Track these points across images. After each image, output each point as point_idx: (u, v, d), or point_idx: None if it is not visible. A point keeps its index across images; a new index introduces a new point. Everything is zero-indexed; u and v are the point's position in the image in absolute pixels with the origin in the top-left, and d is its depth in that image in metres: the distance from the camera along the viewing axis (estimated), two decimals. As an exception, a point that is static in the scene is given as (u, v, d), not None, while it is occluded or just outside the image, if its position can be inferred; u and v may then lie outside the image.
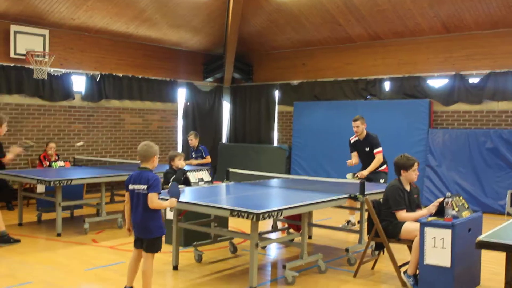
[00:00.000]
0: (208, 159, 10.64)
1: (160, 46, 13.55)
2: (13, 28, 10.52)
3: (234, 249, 7.19)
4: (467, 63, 11.27)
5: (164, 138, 13.74)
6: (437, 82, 11.77)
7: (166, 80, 13.64)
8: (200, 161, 10.60)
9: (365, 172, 8.37)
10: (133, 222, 5.13)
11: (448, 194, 5.42)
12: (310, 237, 8.04)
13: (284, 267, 5.91)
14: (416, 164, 6.03)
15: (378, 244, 6.24)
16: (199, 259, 6.70)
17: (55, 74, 11.40)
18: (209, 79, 14.78)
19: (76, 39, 11.82)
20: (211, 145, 14.94)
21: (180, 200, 5.33)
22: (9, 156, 8.19)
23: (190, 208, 5.92)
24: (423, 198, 9.50)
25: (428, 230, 5.35)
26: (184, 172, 7.78)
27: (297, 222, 7.29)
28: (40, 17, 10.84)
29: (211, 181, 8.01)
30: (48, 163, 10.21)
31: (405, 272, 5.77)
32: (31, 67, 10.61)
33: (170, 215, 6.65)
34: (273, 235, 7.87)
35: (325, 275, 6.24)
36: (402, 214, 5.90)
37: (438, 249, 5.29)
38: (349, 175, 8.47)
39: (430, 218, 5.51)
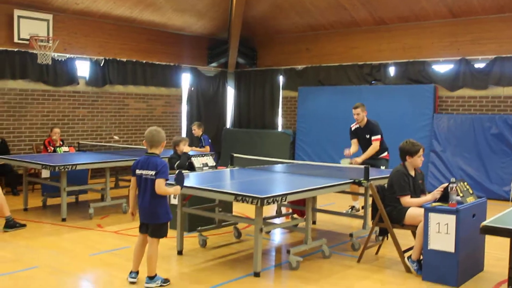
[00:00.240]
0: (206, 149, 10.63)
1: (164, 31, 13.50)
2: (17, 12, 10.48)
3: (238, 234, 7.21)
4: (473, 47, 11.18)
5: (168, 123, 13.74)
6: (442, 67, 11.70)
7: (170, 65, 13.60)
8: (198, 149, 10.62)
9: (359, 159, 8.35)
10: (140, 207, 5.15)
11: (453, 179, 5.41)
12: (314, 223, 8.05)
13: (288, 252, 5.92)
14: (421, 150, 6.02)
15: (382, 230, 6.25)
16: (203, 244, 6.73)
17: (59, 59, 11.38)
18: (213, 64, 14.73)
19: (80, 24, 11.78)
20: (215, 130, 14.96)
21: (184, 185, 5.35)
22: None
23: (194, 193, 5.93)
24: (427, 183, 9.48)
25: (432, 216, 5.35)
26: (188, 157, 7.79)
27: (301, 207, 7.30)
28: (44, 1, 10.80)
29: (216, 166, 8.02)
30: (52, 148, 10.23)
31: (409, 257, 5.78)
32: (35, 52, 10.58)
33: (174, 200, 6.67)
34: (277, 221, 7.89)
35: (329, 260, 6.26)
36: (406, 200, 5.89)
37: (442, 235, 5.29)
38: (344, 161, 8.44)
39: (434, 204, 5.51)
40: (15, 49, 10.68)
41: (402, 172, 5.98)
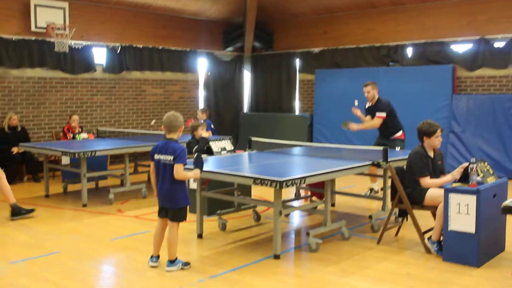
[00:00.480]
0: (209, 133, 10.58)
1: (179, 16, 13.47)
2: (33, 1, 10.52)
3: (257, 217, 7.23)
4: (492, 26, 11.00)
5: (185, 108, 13.76)
6: (461, 47, 11.53)
7: (186, 51, 13.59)
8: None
9: (354, 125, 8.52)
10: (159, 192, 5.19)
11: (473, 159, 5.36)
12: (333, 205, 8.04)
13: (307, 234, 5.94)
14: (439, 130, 5.95)
15: (401, 211, 6.23)
16: (223, 227, 6.76)
17: (76, 47, 11.44)
18: (229, 49, 14.69)
19: (96, 11, 11.81)
20: (233, 115, 14.97)
21: (203, 169, 5.37)
22: None
23: (213, 177, 5.96)
24: (446, 165, 9.39)
25: (452, 196, 5.32)
26: (206, 141, 7.81)
27: (320, 190, 7.29)
28: (60, -11, 10.84)
29: (234, 150, 8.03)
30: (71, 135, 10.32)
31: (429, 238, 5.76)
32: (52, 40, 10.65)
33: (193, 185, 6.70)
34: (296, 203, 7.89)
35: (349, 242, 6.26)
36: (426, 181, 5.86)
37: (463, 215, 5.26)
38: (343, 122, 8.54)
39: (454, 184, 5.47)
40: (33, 38, 10.75)
41: (420, 153, 5.94)
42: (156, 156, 5.13)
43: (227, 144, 8.01)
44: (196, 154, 5.32)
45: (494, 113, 10.68)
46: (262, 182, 5.29)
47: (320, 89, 13.41)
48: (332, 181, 7.22)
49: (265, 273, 5.15)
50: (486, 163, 5.74)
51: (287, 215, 7.45)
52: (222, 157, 7.26)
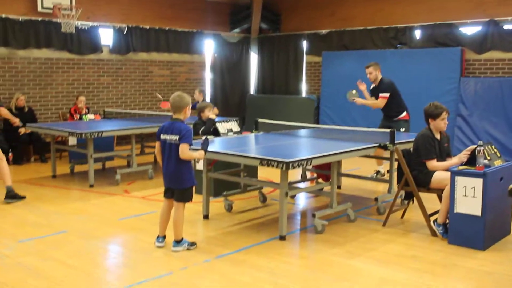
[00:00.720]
0: (216, 111, 10.59)
1: (186, -3, 13.42)
2: (40, -19, 10.51)
3: (263, 198, 7.25)
4: (501, 8, 10.87)
5: (192, 90, 13.68)
6: (469, 30, 11.42)
7: (193, 32, 13.54)
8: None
9: (359, 100, 8.56)
10: (164, 172, 5.21)
11: (480, 142, 5.35)
12: (339, 187, 8.05)
13: (313, 216, 5.95)
14: (444, 113, 5.91)
15: (407, 194, 6.23)
16: (229, 208, 6.79)
17: (83, 28, 11.41)
18: (236, 30, 14.62)
19: (102, -9, 11.77)
20: (239, 97, 14.94)
21: (209, 150, 5.38)
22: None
23: (220, 157, 5.97)
24: (453, 148, 9.38)
25: (459, 179, 5.31)
26: (213, 122, 7.81)
27: (326, 171, 7.30)
28: (66, -31, 10.78)
29: (240, 132, 8.03)
30: (78, 116, 10.35)
31: (434, 221, 5.76)
32: (58, 20, 10.62)
33: (200, 166, 6.71)
34: (302, 185, 7.91)
35: (355, 224, 6.27)
36: (432, 163, 5.85)
37: (469, 198, 5.25)
38: (350, 93, 8.68)
39: (461, 167, 5.45)
40: (39, 18, 10.73)
41: (427, 136, 5.92)
42: (162, 136, 5.14)
43: (234, 125, 8.01)
44: (204, 138, 5.33)
45: (502, 97, 10.60)
46: (268, 163, 5.30)
47: (327, 71, 13.35)
48: (339, 163, 7.23)
49: (270, 254, 5.17)
50: (493, 146, 5.71)
51: (293, 197, 7.47)
52: (229, 138, 7.26)
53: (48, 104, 11.12)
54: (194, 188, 5.31)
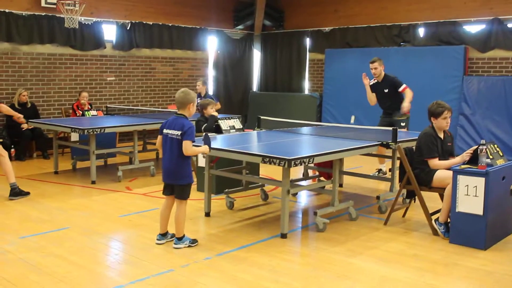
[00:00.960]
0: (218, 105, 10.48)
1: (190, -6, 13.41)
2: (43, -24, 10.51)
3: (265, 196, 7.25)
4: (507, 7, 10.84)
5: (195, 87, 13.68)
6: (473, 28, 11.40)
7: (196, 28, 13.52)
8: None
9: (406, 104, 8.26)
10: (163, 168, 5.23)
11: (483, 141, 5.34)
12: (341, 186, 8.05)
13: (315, 214, 5.95)
14: (445, 111, 5.88)
15: (409, 192, 6.22)
16: (230, 206, 6.79)
17: (86, 23, 11.41)
18: (240, 27, 14.60)
19: (106, -13, 11.76)
20: (242, 94, 14.93)
21: (212, 147, 5.39)
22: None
23: (222, 154, 5.96)
24: (455, 147, 9.37)
25: (461, 178, 5.30)
26: (215, 119, 7.81)
27: (328, 169, 7.30)
28: (70, -35, 10.78)
29: (242, 129, 8.03)
30: (81, 112, 10.35)
31: (436, 220, 5.76)
32: (62, 16, 10.62)
33: (202, 163, 6.72)
34: (304, 183, 7.90)
35: (356, 222, 6.27)
36: (434, 162, 5.84)
37: (471, 197, 5.25)
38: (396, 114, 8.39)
39: (463, 166, 5.44)
40: (43, 14, 10.73)
41: (430, 134, 5.91)
42: (165, 131, 5.17)
43: (236, 122, 8.00)
44: (204, 135, 5.34)
45: (505, 95, 10.58)
46: (270, 160, 5.29)
47: (330, 69, 13.34)
48: (341, 161, 7.22)
49: (272, 252, 5.18)
50: (496, 145, 5.71)
51: (294, 195, 7.47)
52: (231, 136, 7.26)
53: (50, 100, 11.12)
54: (196, 185, 5.31)
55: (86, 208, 6.82)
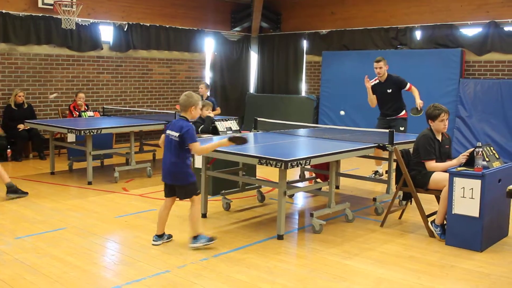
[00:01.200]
0: (218, 110, 10.52)
1: (187, -5, 13.41)
2: (41, -23, 10.49)
3: (262, 197, 7.25)
4: (503, 10, 10.87)
5: (191, 88, 13.71)
6: (470, 31, 11.42)
7: (193, 30, 13.52)
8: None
9: (419, 100, 8.17)
10: (163, 167, 5.25)
11: (479, 143, 5.35)
12: (337, 187, 8.06)
13: (311, 215, 5.95)
14: (442, 114, 5.89)
15: (405, 194, 6.23)
16: (227, 207, 6.79)
17: (83, 24, 11.40)
18: (237, 29, 14.61)
19: (103, -12, 11.76)
20: (239, 95, 14.93)
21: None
22: None
23: (219, 156, 5.96)
24: (452, 149, 9.38)
25: (457, 180, 5.32)
26: (212, 121, 7.82)
27: (324, 171, 7.31)
28: (67, -34, 10.77)
29: (239, 131, 8.04)
30: (77, 113, 10.33)
31: (432, 221, 5.77)
32: (59, 17, 10.61)
33: (199, 164, 6.71)
34: (300, 185, 7.91)
35: (352, 224, 6.28)
36: (431, 164, 5.85)
37: (467, 199, 5.26)
38: (413, 111, 8.28)
39: (459, 168, 5.45)
40: (40, 14, 10.72)
41: (428, 136, 5.92)
42: (167, 131, 5.24)
43: (233, 124, 8.01)
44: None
45: (501, 98, 10.60)
46: (267, 162, 5.30)
47: (327, 71, 13.35)
48: (337, 163, 7.24)
49: (268, 253, 5.18)
50: (492, 148, 5.72)
51: (291, 196, 7.47)
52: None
53: (47, 100, 11.10)
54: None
55: (82, 208, 6.80)
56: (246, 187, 7.14)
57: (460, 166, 5.57)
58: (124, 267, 4.85)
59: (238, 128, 8.01)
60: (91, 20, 11.55)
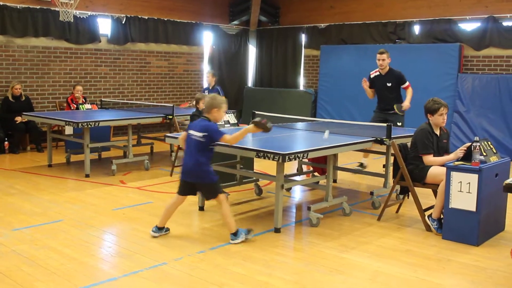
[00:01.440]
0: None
1: (185, -12, 13.38)
2: (38, -31, 10.46)
3: (259, 191, 7.25)
4: (502, 5, 10.87)
5: (189, 81, 13.74)
6: (468, 26, 11.42)
7: (191, 23, 13.50)
8: None
9: (407, 103, 8.26)
10: (183, 165, 5.26)
11: (476, 138, 5.36)
12: (335, 181, 8.06)
13: (308, 209, 5.96)
14: (442, 108, 5.90)
15: (403, 188, 6.24)
16: (224, 200, 6.78)
17: (81, 17, 11.37)
18: (235, 22, 14.58)
19: (101, -20, 11.72)
20: (237, 89, 14.92)
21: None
22: None
23: (216, 149, 5.94)
24: (449, 144, 9.39)
25: (454, 174, 5.32)
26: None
27: (322, 165, 7.31)
28: (65, -42, 10.73)
29: (237, 124, 8.03)
30: (75, 105, 10.31)
31: (429, 216, 5.78)
32: (57, 9, 10.58)
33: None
34: (298, 178, 7.91)
35: (350, 217, 6.29)
36: (429, 158, 5.86)
37: (464, 194, 5.27)
38: (398, 107, 8.31)
39: (457, 163, 5.46)
40: (38, 7, 10.68)
41: (426, 131, 5.92)
42: (190, 131, 5.27)
43: (231, 117, 8.00)
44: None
45: (499, 93, 10.61)
46: (265, 155, 5.31)
47: (325, 65, 13.34)
48: (335, 157, 7.23)
49: (265, 246, 5.18)
50: (489, 142, 5.73)
51: (288, 190, 7.47)
52: (226, 130, 7.22)
53: (45, 93, 11.09)
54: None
55: (79, 201, 6.80)
56: (244, 180, 7.14)
57: (457, 160, 5.58)
58: (121, 259, 4.86)
59: (236, 122, 8.00)
60: (89, 13, 11.51)
